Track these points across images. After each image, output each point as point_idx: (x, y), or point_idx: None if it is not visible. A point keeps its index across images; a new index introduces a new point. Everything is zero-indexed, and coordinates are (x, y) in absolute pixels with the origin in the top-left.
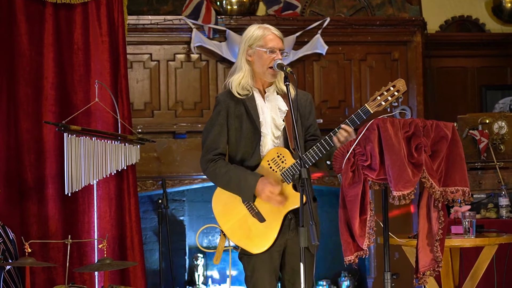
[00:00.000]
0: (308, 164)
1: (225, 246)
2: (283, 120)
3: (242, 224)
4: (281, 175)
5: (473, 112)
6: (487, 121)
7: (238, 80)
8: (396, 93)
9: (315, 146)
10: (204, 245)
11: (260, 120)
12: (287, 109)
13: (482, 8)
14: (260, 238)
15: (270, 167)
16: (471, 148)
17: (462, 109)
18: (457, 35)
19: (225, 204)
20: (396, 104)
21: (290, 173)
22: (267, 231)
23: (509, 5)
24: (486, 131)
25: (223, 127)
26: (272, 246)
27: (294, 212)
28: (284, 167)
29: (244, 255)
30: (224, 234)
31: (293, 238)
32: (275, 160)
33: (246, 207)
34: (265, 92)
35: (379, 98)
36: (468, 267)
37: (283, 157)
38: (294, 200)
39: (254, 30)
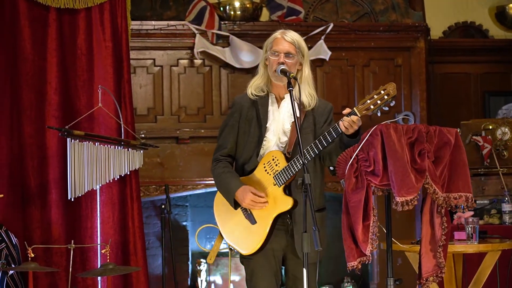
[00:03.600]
0: (307, 160)
1: (222, 248)
2: (291, 126)
3: (236, 226)
4: (273, 177)
5: (476, 118)
6: (490, 127)
7: (254, 81)
8: (385, 97)
9: (313, 143)
10: (207, 250)
11: (267, 125)
12: (298, 116)
13: (485, 14)
14: (248, 240)
15: (265, 170)
16: (474, 154)
17: (465, 115)
18: (461, 41)
19: (223, 205)
20: (387, 108)
21: (280, 176)
22: (256, 233)
23: None
24: (489, 137)
25: (234, 128)
26: (264, 249)
27: (293, 217)
28: (277, 170)
29: (244, 258)
30: (221, 235)
31: (292, 244)
32: (270, 163)
33: (241, 209)
34: (281, 99)
35: (368, 101)
36: (471, 273)
37: (277, 160)
38: (283, 204)
39: (272, 34)
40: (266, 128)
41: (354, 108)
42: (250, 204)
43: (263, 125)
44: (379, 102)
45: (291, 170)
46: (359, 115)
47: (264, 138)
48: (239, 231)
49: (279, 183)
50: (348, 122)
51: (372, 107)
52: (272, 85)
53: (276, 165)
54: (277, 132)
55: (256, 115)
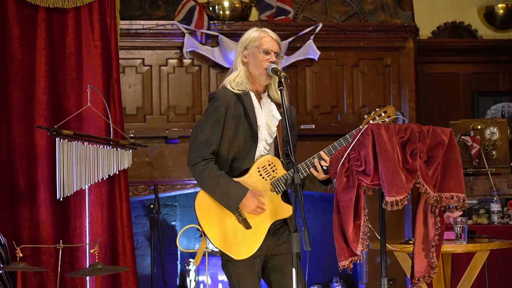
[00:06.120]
0: (302, 175)
1: (206, 249)
2: (275, 128)
3: (226, 229)
4: (271, 184)
5: (465, 118)
6: (479, 127)
7: (233, 78)
8: (386, 119)
9: (304, 163)
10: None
11: (259, 124)
12: (280, 117)
13: (474, 14)
14: (244, 245)
15: (260, 175)
16: (463, 154)
17: (454, 115)
18: (450, 41)
19: (210, 207)
20: None
21: (280, 184)
22: (252, 239)
23: (501, 11)
24: (478, 137)
25: (219, 124)
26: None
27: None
28: (275, 177)
29: (228, 262)
30: (206, 236)
31: (274, 243)
32: (266, 168)
33: (235, 213)
34: (260, 97)
35: (371, 122)
36: (460, 273)
37: (274, 166)
38: (283, 211)
39: (251, 32)
40: (258, 126)
41: (361, 127)
42: (255, 211)
43: (254, 123)
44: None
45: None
46: None
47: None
48: (231, 235)
49: (278, 190)
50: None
51: None
52: (251, 83)
53: (273, 171)
54: (265, 132)
55: (244, 112)
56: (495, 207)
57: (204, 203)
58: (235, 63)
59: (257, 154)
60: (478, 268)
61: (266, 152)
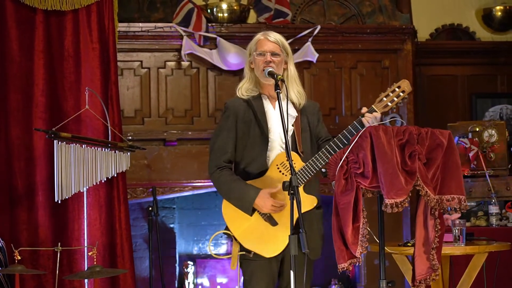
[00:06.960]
0: (321, 164)
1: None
2: (292, 125)
3: (254, 229)
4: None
5: (463, 120)
6: (477, 129)
7: (241, 85)
8: (401, 94)
9: (328, 146)
10: (195, 252)
11: (269, 126)
12: (297, 114)
13: (472, 16)
14: (273, 242)
15: (280, 171)
16: (461, 156)
17: (452, 117)
18: (448, 43)
19: (235, 210)
20: (401, 104)
21: (301, 176)
22: (280, 234)
23: (499, 13)
24: (476, 139)
25: (232, 132)
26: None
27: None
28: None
29: (244, 260)
30: (236, 239)
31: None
32: (284, 163)
33: (258, 212)
34: (274, 99)
35: (385, 99)
36: (458, 275)
37: (292, 160)
38: (307, 203)
39: (254, 38)
40: (268, 129)
41: (373, 106)
42: (272, 210)
43: (264, 126)
44: (395, 99)
45: (310, 170)
46: (379, 112)
47: (269, 139)
48: (259, 234)
49: (299, 183)
50: (371, 118)
51: (389, 104)
52: (262, 86)
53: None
54: (278, 132)
55: (254, 117)
56: (494, 209)
57: (228, 207)
58: (244, 70)
59: (273, 154)
60: (477, 270)
61: (282, 150)
